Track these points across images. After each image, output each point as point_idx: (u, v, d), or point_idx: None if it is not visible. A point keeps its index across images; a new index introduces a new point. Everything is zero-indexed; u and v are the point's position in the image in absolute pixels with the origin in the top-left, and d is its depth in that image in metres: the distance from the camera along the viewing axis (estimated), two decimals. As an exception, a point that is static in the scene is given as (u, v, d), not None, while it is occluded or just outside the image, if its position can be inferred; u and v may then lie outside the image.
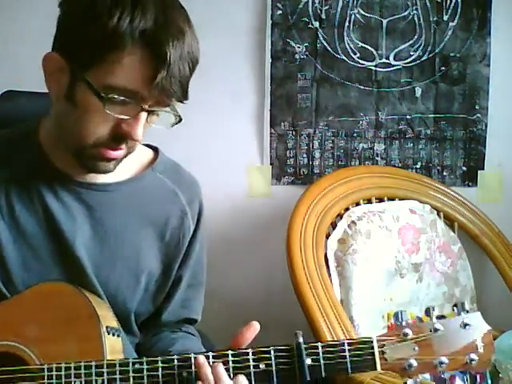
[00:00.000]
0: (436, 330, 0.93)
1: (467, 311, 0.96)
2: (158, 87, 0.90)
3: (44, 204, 1.03)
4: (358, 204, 1.78)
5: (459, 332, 0.93)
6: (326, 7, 1.95)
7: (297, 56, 1.97)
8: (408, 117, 1.98)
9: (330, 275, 1.61)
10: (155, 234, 1.11)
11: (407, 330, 0.93)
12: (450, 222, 1.89)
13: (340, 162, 2.01)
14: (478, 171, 1.98)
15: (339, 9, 1.94)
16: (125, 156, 1.01)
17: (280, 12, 1.96)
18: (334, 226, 1.71)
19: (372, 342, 0.92)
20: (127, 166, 1.08)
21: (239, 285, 2.05)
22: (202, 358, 0.91)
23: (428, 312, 0.96)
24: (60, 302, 0.98)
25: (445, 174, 1.99)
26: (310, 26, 1.96)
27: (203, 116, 2.04)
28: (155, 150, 1.17)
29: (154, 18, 0.89)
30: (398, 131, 1.99)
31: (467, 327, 0.93)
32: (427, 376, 1.56)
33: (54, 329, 0.96)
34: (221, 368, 0.91)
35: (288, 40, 1.97)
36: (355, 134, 2.00)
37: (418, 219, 1.79)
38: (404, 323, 0.94)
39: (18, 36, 1.92)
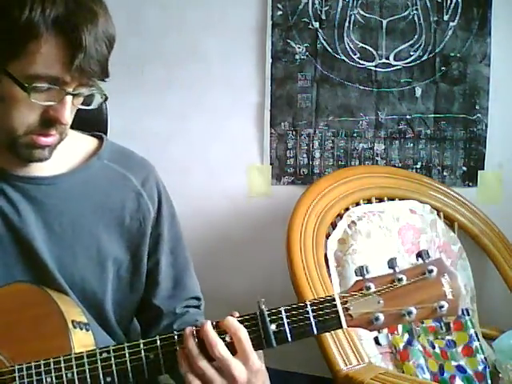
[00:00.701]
0: (399, 280, 0.90)
1: (430, 258, 0.92)
2: (77, 70, 0.92)
3: None
4: (358, 204, 1.77)
5: (424, 280, 0.90)
6: (326, 8, 1.95)
7: (297, 56, 1.98)
8: (408, 117, 1.98)
9: (329, 275, 1.60)
10: (113, 220, 1.11)
11: (369, 283, 0.90)
12: (450, 221, 1.89)
13: (340, 162, 2.01)
14: (478, 171, 1.98)
15: (339, 9, 1.94)
16: (58, 142, 1.02)
17: (280, 12, 1.96)
18: (334, 226, 1.71)
19: (334, 299, 0.91)
20: (72, 157, 1.10)
21: (239, 284, 2.05)
22: (188, 330, 0.91)
23: (391, 263, 0.93)
24: (23, 302, 0.98)
25: (445, 174, 1.99)
26: (310, 26, 1.96)
27: (203, 116, 2.05)
28: (100, 138, 1.17)
29: (65, 4, 0.91)
30: (398, 131, 1.99)
31: (432, 274, 0.90)
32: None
33: (21, 330, 0.96)
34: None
35: (288, 40, 1.97)
36: (355, 134, 2.00)
37: (418, 219, 1.79)
38: (366, 277, 0.91)
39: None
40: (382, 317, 0.89)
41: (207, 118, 2.05)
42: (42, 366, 0.92)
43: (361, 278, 0.92)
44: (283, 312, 0.92)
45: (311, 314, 0.91)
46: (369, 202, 1.81)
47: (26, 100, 0.93)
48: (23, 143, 0.99)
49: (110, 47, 0.97)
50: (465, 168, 1.99)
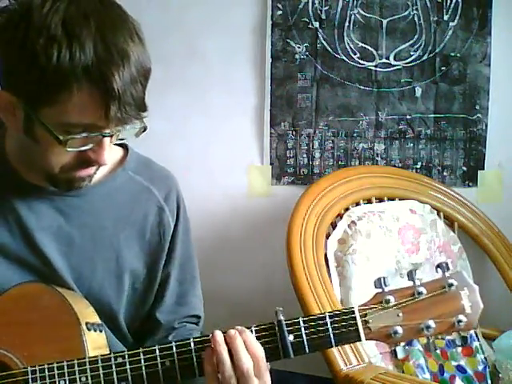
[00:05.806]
0: (419, 293, 0.89)
1: (450, 271, 0.91)
2: (114, 118, 0.88)
3: (17, 216, 1.03)
4: (358, 204, 1.77)
5: (444, 293, 0.89)
6: (326, 7, 1.95)
7: (297, 56, 1.97)
8: (408, 117, 1.98)
9: (330, 275, 1.60)
10: (135, 233, 1.11)
11: (389, 297, 0.89)
12: (450, 221, 1.89)
13: (340, 162, 2.01)
14: (478, 171, 1.98)
15: (339, 9, 1.94)
16: (98, 168, 1.02)
17: (280, 12, 1.96)
18: (334, 226, 1.71)
19: (354, 312, 0.90)
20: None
21: (239, 284, 2.05)
22: (219, 334, 0.90)
23: (410, 275, 0.92)
24: (36, 302, 0.98)
25: (445, 174, 1.99)
26: (310, 26, 1.96)
27: (203, 116, 2.05)
28: (125, 147, 1.16)
29: (94, 49, 0.85)
30: (398, 131, 1.99)
31: (452, 288, 0.89)
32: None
33: (34, 331, 0.95)
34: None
35: (288, 40, 1.97)
36: (355, 134, 2.00)
37: (418, 219, 1.79)
38: (386, 289, 0.90)
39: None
40: (400, 330, 0.89)
41: (207, 118, 2.05)
42: (56, 369, 0.91)
43: (380, 290, 0.91)
44: (301, 323, 0.90)
45: (330, 326, 0.90)
46: (369, 202, 1.81)
47: (62, 147, 0.91)
48: (62, 179, 0.99)
49: (146, 81, 0.92)
50: (465, 168, 1.99)
